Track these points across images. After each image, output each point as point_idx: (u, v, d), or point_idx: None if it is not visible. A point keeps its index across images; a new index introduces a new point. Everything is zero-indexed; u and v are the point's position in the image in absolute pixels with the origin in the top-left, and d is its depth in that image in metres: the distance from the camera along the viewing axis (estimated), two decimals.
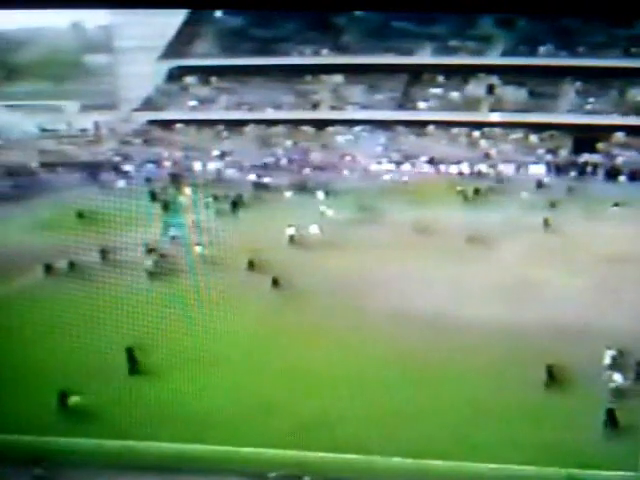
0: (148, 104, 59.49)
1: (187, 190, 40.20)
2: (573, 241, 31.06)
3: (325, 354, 20.67)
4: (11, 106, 62.53)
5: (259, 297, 25.56)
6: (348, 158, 50.20)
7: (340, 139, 53.36)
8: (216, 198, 38.87)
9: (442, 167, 48.36)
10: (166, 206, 37.19)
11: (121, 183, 45.04)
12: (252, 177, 46.46)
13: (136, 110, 58.93)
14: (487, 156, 49.71)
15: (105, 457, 16.01)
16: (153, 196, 39.08)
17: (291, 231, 31.98)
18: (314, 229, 32.86)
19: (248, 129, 55.42)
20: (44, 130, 58.94)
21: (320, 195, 40.80)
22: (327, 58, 57.69)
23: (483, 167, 48.01)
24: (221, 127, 55.87)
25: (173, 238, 31.44)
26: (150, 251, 29.33)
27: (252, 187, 43.79)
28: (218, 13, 62.32)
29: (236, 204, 38.44)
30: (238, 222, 35.69)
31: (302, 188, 42.72)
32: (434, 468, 15.43)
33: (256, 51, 58.23)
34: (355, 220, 35.27)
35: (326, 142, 52.96)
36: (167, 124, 56.67)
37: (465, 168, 48.02)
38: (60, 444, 16.39)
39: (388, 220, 34.86)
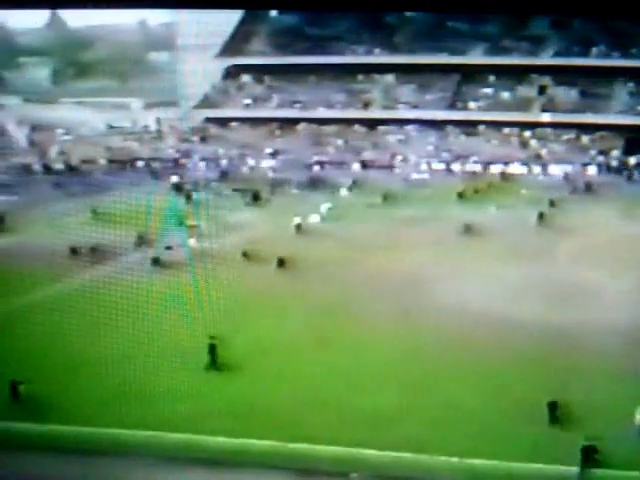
0: (206, 102, 60.24)
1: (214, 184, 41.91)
2: (627, 244, 29.93)
3: (379, 350, 20.71)
4: (82, 103, 63.91)
5: (311, 292, 25.72)
6: (399, 157, 50.14)
7: (391, 138, 53.10)
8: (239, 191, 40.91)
9: (490, 167, 47.99)
10: (188, 197, 38.65)
11: (175, 179, 45.68)
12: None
13: (195, 107, 59.71)
14: (538, 157, 49.08)
15: (161, 450, 16.22)
16: (178, 189, 40.61)
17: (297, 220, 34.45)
18: (314, 218, 35.63)
19: (300, 128, 55.73)
20: (111, 127, 59.79)
21: (343, 191, 41.85)
22: (379, 57, 57.53)
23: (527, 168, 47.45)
24: (274, 125, 56.18)
25: (195, 227, 32.39)
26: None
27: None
28: (272, 12, 62.69)
29: (257, 197, 40.25)
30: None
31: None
32: (484, 468, 15.40)
33: (309, 50, 58.37)
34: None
35: (377, 141, 52.76)
36: (223, 122, 57.31)
37: (513, 168, 47.54)
38: (122, 436, 16.71)
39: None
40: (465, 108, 54.21)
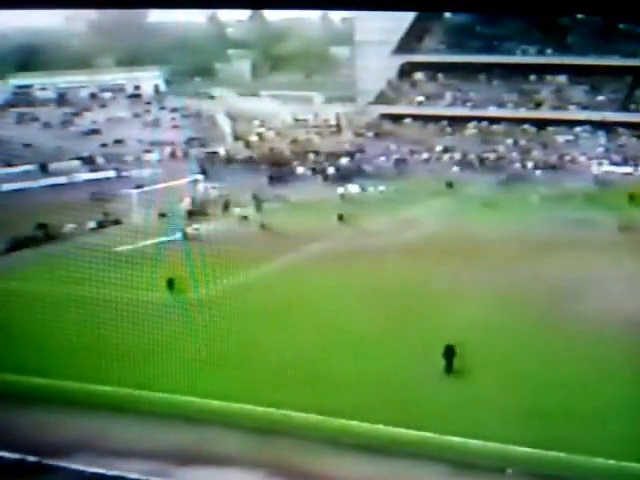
0: (381, 98, 60.60)
1: None
2: None
3: (544, 351, 20.41)
4: (274, 96, 65.11)
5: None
6: (568, 158, 49.04)
7: (560, 139, 51.84)
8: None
9: None
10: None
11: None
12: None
13: (371, 103, 60.31)
14: None
15: (326, 433, 16.43)
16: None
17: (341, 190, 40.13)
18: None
19: (470, 126, 55.42)
20: (296, 120, 60.88)
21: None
22: (551, 58, 55.85)
23: None
24: (445, 123, 56.04)
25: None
26: None
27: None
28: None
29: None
30: None
31: None
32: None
33: (481, 49, 57.61)
34: None
35: (546, 141, 51.70)
36: (396, 118, 57.62)
37: None
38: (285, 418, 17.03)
39: None
40: (638, 110, 52.27)
